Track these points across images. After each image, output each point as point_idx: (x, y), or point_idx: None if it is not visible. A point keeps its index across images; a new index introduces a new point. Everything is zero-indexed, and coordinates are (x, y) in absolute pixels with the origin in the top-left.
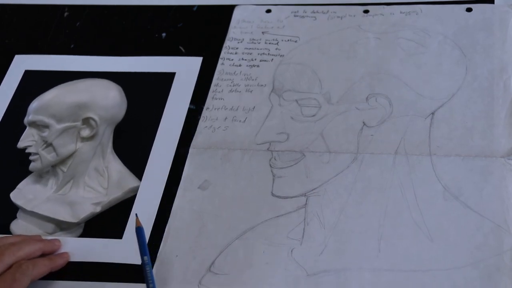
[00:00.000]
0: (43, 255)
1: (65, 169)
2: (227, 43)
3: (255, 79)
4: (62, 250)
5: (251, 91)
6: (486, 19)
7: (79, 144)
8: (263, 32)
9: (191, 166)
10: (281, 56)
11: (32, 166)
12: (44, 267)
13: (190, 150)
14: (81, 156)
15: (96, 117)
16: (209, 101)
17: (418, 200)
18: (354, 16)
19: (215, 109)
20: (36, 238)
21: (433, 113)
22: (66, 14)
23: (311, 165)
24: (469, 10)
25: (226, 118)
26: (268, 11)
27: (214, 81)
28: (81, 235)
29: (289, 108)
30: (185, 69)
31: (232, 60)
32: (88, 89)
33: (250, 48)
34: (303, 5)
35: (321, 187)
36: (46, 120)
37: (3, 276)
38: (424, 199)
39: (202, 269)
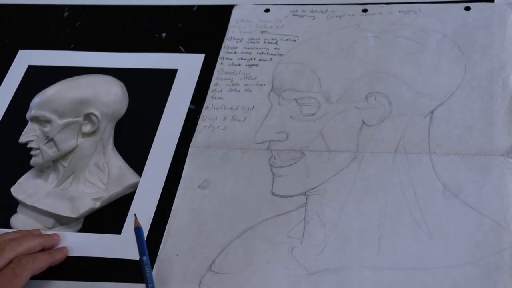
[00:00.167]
0: (42, 249)
1: (65, 164)
2: (226, 42)
3: (254, 79)
4: (61, 245)
5: (250, 91)
6: (484, 18)
7: (80, 140)
8: (262, 32)
9: (191, 165)
10: (280, 55)
11: (33, 161)
12: (44, 261)
13: (190, 150)
14: (82, 152)
15: (97, 113)
16: (208, 101)
17: (418, 198)
18: (353, 15)
19: (214, 108)
20: (36, 233)
21: (432, 112)
22: (66, 14)
23: (311, 164)
24: (467, 9)
25: (225, 118)
26: (267, 10)
27: (214, 80)
28: (80, 230)
29: (289, 107)
30: (187, 66)
31: (231, 59)
32: (90, 85)
33: (249, 48)
34: (302, 4)
35: (321, 186)
36: (48, 115)
37: (3, 271)
38: (424, 197)
39: (203, 269)
